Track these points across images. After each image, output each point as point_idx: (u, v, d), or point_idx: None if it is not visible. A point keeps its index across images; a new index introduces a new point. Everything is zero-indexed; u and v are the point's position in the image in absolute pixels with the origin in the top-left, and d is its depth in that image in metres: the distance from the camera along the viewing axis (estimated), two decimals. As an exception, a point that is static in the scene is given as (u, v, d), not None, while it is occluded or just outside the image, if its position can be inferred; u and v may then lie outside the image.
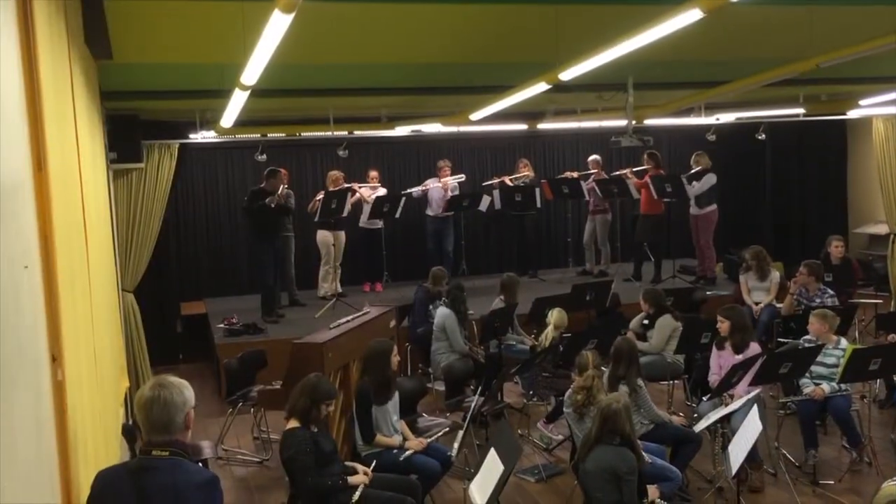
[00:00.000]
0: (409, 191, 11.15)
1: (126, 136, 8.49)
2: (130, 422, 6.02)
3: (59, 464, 2.79)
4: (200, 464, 3.70)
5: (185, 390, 2.95)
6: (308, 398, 4.81)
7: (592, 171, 11.65)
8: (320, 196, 10.15)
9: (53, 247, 2.87)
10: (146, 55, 6.01)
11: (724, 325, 6.52)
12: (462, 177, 11.47)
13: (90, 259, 4.37)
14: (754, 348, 6.41)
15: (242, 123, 8.29)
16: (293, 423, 4.81)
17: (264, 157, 9.60)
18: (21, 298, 2.37)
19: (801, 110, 10.16)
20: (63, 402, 2.89)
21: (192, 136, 9.04)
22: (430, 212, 11.34)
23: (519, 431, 7.10)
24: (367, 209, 10.69)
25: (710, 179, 10.68)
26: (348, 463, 5.18)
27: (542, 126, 10.27)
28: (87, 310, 4.04)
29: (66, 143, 3.70)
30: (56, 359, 2.82)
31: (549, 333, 7.56)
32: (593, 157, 11.76)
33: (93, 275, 4.45)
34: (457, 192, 11.21)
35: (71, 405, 3.00)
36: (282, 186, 9.53)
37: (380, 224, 10.92)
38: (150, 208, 8.92)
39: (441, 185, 11.17)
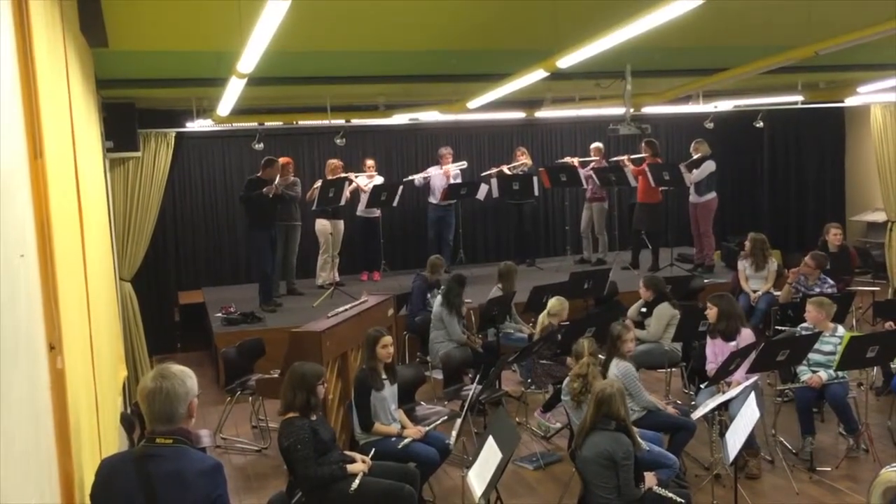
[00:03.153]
0: (410, 178, 11.15)
1: (122, 125, 8.45)
2: (129, 411, 6.03)
3: (58, 454, 2.79)
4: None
5: (187, 380, 2.96)
6: (301, 390, 4.79)
7: (594, 158, 11.63)
8: (317, 185, 10.15)
9: (50, 235, 2.86)
10: (142, 43, 5.98)
11: (711, 312, 6.53)
12: (464, 164, 11.46)
13: (87, 248, 4.35)
14: (746, 335, 6.41)
15: (239, 112, 8.26)
16: (292, 414, 4.81)
17: (261, 145, 9.58)
18: (17, 287, 2.36)
19: (799, 98, 10.14)
20: (63, 392, 2.88)
21: (188, 124, 9.00)
22: (432, 199, 11.31)
23: (517, 419, 7.11)
24: (364, 198, 10.68)
25: (710, 167, 10.67)
26: (347, 452, 5.19)
27: (540, 114, 10.24)
28: (83, 299, 4.03)
29: (61, 132, 3.69)
30: (54, 347, 2.82)
31: (542, 319, 7.57)
32: (596, 144, 11.74)
33: (89, 264, 4.43)
34: (459, 180, 11.20)
35: (70, 394, 3.00)
36: (279, 175, 9.51)
37: (377, 213, 10.92)
38: (148, 197, 8.89)
39: (443, 173, 11.15)
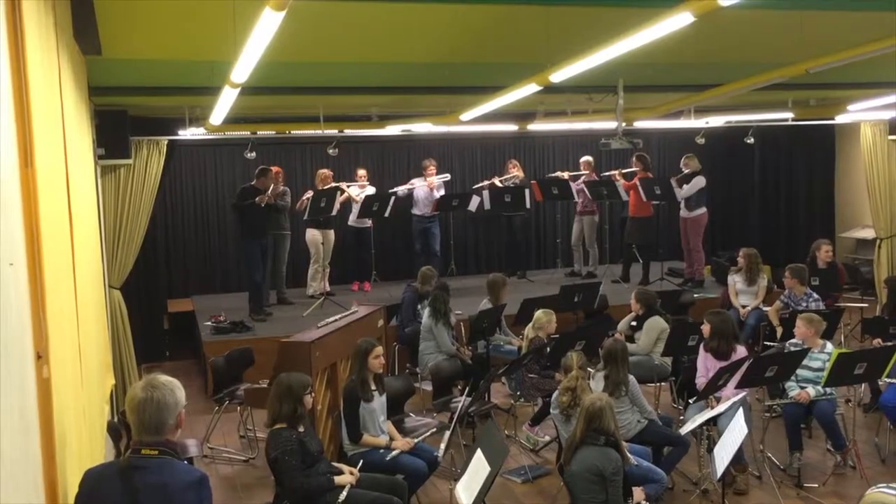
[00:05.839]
0: (394, 189, 11.17)
1: (114, 132, 8.43)
2: (116, 419, 5.99)
3: (44, 462, 2.77)
4: (186, 462, 3.69)
5: (176, 390, 2.95)
6: (288, 401, 4.78)
7: (584, 171, 11.67)
8: (307, 194, 10.16)
9: (40, 244, 2.85)
10: (136, 51, 5.97)
11: (705, 328, 6.57)
12: (447, 176, 11.48)
13: (76, 255, 4.34)
14: (741, 352, 6.44)
15: (232, 121, 8.25)
16: (280, 425, 4.79)
17: (254, 154, 9.57)
18: (7, 296, 2.35)
19: (789, 115, 10.21)
20: (49, 400, 2.87)
21: (181, 132, 8.98)
22: (416, 211, 11.33)
23: (506, 432, 7.10)
24: (356, 208, 10.68)
25: (700, 182, 10.72)
26: (334, 463, 5.17)
27: (533, 127, 10.27)
28: (72, 307, 4.02)
29: (53, 139, 3.68)
30: (41, 356, 2.80)
31: (527, 333, 7.56)
32: (585, 157, 11.79)
33: (79, 271, 4.42)
34: (442, 191, 11.22)
35: (57, 403, 2.98)
36: (272, 185, 9.51)
37: (369, 223, 10.92)
38: (138, 205, 8.86)
39: (427, 185, 11.17)
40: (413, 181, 11.38)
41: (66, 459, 3.15)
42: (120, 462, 2.97)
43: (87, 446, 4.04)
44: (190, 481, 2.85)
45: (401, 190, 11.25)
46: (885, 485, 2.45)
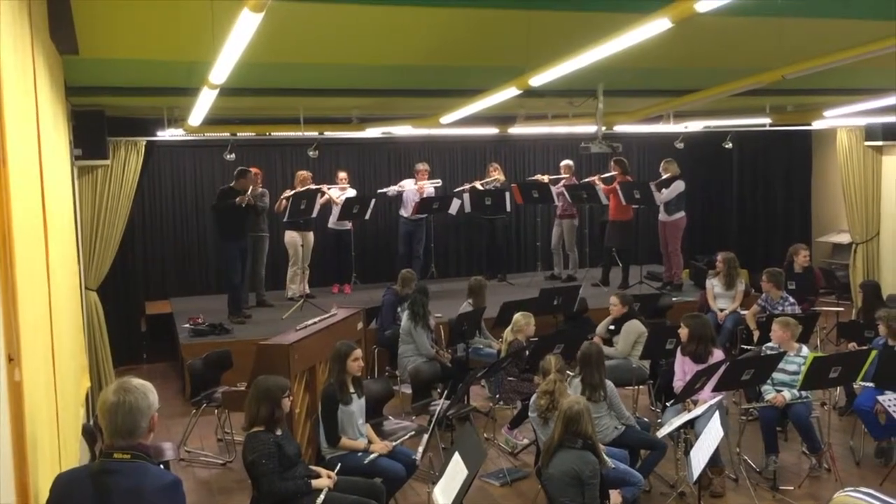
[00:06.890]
0: (384, 190, 11.15)
1: (92, 133, 8.36)
2: (91, 423, 5.93)
3: (15, 466, 2.73)
4: (162, 465, 3.66)
5: (149, 394, 2.92)
6: (266, 404, 4.76)
7: (564, 175, 11.71)
8: (286, 194, 10.11)
9: (12, 245, 2.81)
10: (113, 50, 5.92)
11: (683, 332, 6.60)
12: (438, 182, 11.49)
13: (50, 256, 4.29)
14: (718, 355, 6.48)
15: (211, 122, 8.20)
16: (258, 428, 4.77)
17: (233, 156, 9.52)
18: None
19: (767, 120, 10.30)
20: (20, 404, 2.83)
21: (159, 133, 8.92)
22: (403, 213, 11.32)
23: (485, 435, 7.11)
24: (336, 210, 10.65)
25: (679, 186, 10.79)
26: (312, 466, 5.15)
27: (513, 130, 10.29)
28: (45, 308, 3.97)
29: (26, 139, 3.64)
30: (13, 359, 2.77)
31: (506, 336, 7.57)
32: (565, 161, 11.83)
33: (53, 273, 4.37)
34: (432, 196, 11.22)
35: (29, 406, 2.95)
36: (251, 186, 9.47)
37: (349, 225, 10.90)
38: (116, 206, 8.79)
39: (417, 189, 11.16)
40: (403, 182, 11.38)
41: (38, 463, 3.11)
42: (92, 466, 2.94)
43: (60, 450, 3.99)
44: (163, 485, 2.82)
45: (390, 190, 11.25)
46: (852, 488, 2.48)
